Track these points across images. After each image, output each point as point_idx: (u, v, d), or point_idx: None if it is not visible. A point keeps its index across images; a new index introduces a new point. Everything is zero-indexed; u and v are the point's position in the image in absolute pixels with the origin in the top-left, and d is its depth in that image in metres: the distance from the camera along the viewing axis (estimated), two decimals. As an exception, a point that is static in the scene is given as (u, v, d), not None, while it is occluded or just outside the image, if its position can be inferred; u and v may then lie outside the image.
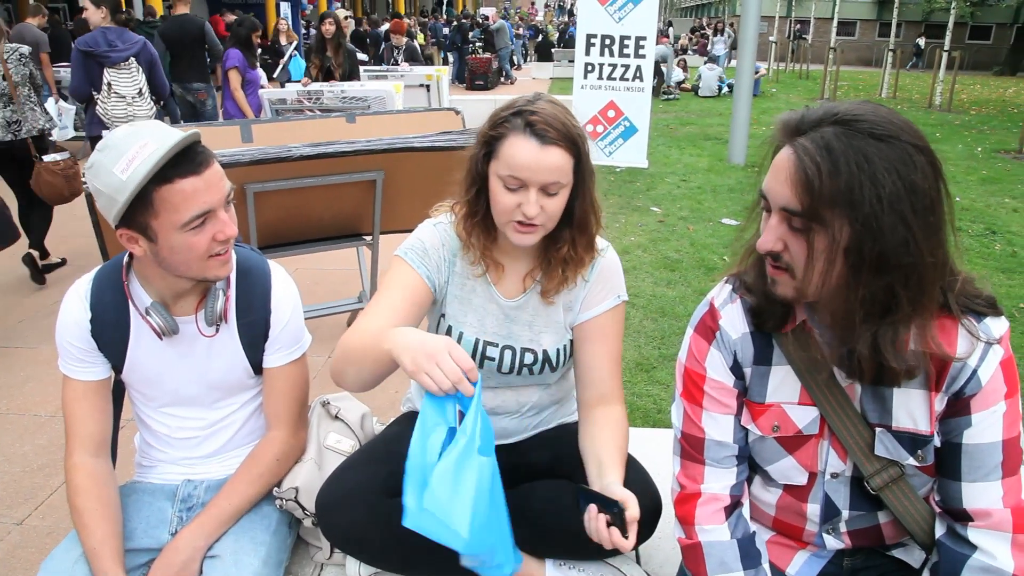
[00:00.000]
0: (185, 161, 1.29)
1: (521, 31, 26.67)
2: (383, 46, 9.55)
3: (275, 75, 7.64)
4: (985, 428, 1.15)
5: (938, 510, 1.23)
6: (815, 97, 16.51)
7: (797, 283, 1.12)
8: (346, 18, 7.66)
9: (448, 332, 1.59)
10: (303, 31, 15.76)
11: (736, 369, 1.28)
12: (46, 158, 4.35)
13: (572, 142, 1.41)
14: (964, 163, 9.20)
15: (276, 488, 1.54)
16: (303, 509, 1.52)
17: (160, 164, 1.25)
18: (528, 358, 1.59)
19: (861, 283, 1.06)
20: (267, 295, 1.53)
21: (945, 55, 14.72)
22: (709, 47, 16.69)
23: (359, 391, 1.42)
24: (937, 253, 1.06)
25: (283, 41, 8.69)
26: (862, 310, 1.08)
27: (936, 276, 1.08)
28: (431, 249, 1.56)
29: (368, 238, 3.63)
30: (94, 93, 4.72)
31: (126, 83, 4.71)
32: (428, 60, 13.67)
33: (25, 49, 4.47)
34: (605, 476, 1.39)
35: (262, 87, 6.65)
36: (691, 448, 1.32)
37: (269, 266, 1.57)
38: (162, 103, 5.31)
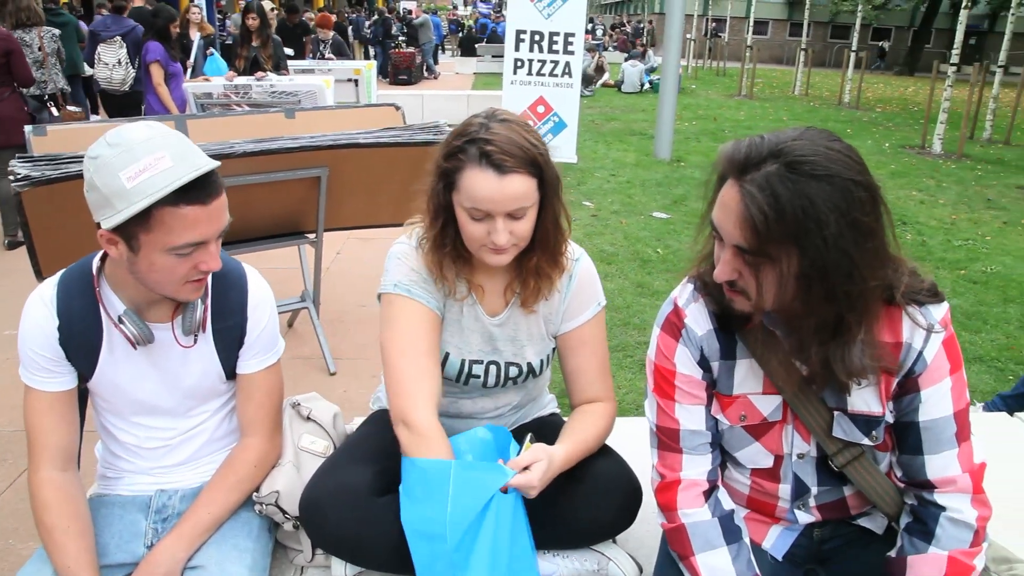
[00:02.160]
0: (196, 188, 1.23)
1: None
2: (308, 39, 9.26)
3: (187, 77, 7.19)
4: (936, 403, 1.25)
5: (902, 485, 1.33)
6: (733, 93, 17.07)
7: (753, 303, 1.19)
8: (272, 10, 7.45)
9: None
10: (218, 24, 14.88)
11: (703, 363, 1.35)
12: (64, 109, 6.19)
13: (532, 164, 1.37)
14: (874, 158, 9.71)
15: (256, 493, 1.50)
16: (284, 513, 1.49)
17: (173, 188, 1.20)
18: (513, 371, 1.60)
19: (813, 311, 1.13)
20: (243, 300, 1.49)
21: (853, 55, 15.47)
22: (646, 64, 17.05)
23: None
24: (879, 274, 1.14)
25: (193, 35, 7.94)
26: (816, 336, 1.16)
27: (879, 294, 1.16)
28: (427, 275, 1.52)
29: (311, 236, 3.57)
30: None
31: (110, 55, 6.46)
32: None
33: (56, 32, 5.96)
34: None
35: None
36: (668, 439, 1.38)
37: (244, 270, 1.53)
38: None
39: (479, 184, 1.35)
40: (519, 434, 1.71)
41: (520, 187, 1.36)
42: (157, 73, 6.05)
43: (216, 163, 1.26)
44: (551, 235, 1.49)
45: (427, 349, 1.47)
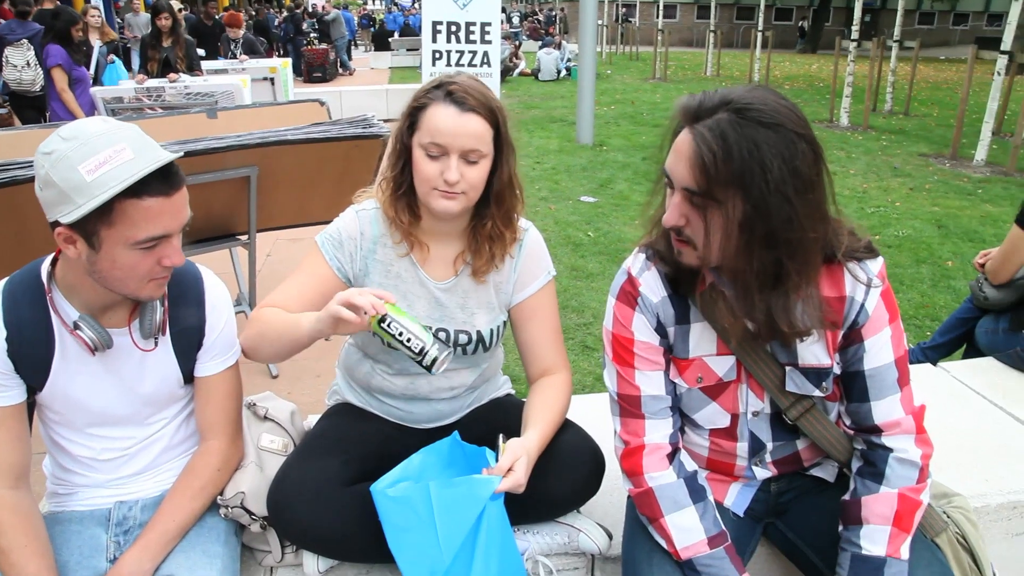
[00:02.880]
0: (159, 180, 1.20)
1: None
2: (220, 38, 8.95)
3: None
4: (878, 352, 1.33)
5: (851, 432, 1.41)
6: (648, 77, 17.39)
7: (699, 253, 1.25)
8: (180, 11, 7.19)
9: None
10: (118, 27, 14.05)
11: (660, 329, 1.40)
12: None
13: (490, 111, 1.46)
14: (785, 133, 10.05)
15: (220, 497, 1.48)
16: (250, 514, 1.47)
17: (137, 178, 1.16)
18: (463, 339, 1.61)
19: (754, 256, 1.19)
20: (201, 302, 1.46)
21: (759, 35, 15.98)
22: (563, 55, 17.19)
23: (273, 362, 1.47)
24: (818, 228, 1.20)
25: (94, 41, 7.54)
26: (757, 281, 1.21)
27: (818, 248, 1.23)
28: (346, 240, 1.57)
29: (243, 238, 3.48)
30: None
31: (17, 57, 6.42)
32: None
33: None
34: (524, 432, 1.49)
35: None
36: (629, 406, 1.42)
37: (200, 270, 1.49)
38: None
39: (439, 117, 1.43)
40: (474, 416, 1.73)
41: (477, 127, 1.44)
42: (60, 78, 5.77)
43: (178, 154, 1.24)
44: (506, 194, 1.55)
45: (301, 287, 1.55)
